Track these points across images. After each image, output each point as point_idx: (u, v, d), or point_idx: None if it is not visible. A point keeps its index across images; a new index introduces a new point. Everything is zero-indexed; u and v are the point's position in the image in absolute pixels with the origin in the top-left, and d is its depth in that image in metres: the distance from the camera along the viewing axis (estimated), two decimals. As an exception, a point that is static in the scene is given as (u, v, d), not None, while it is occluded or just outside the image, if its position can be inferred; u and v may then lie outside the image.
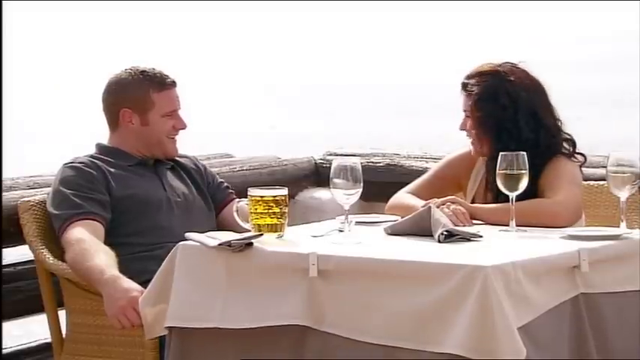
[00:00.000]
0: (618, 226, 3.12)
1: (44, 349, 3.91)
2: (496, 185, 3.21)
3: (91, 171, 3.51)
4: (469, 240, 3.03)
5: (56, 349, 3.55)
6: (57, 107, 22.49)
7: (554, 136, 3.49)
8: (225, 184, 3.78)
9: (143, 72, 3.59)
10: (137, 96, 3.57)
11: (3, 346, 3.80)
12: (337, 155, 4.67)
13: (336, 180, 3.04)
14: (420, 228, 3.10)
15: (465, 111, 3.52)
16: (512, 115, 3.44)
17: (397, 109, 22.51)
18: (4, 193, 3.72)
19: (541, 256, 2.87)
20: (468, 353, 2.68)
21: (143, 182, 3.57)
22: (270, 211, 3.06)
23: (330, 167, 3.07)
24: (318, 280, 2.88)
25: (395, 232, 3.15)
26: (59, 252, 3.50)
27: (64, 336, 3.54)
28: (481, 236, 3.05)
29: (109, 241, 3.42)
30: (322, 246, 2.98)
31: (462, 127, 3.54)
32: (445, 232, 3.01)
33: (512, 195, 3.15)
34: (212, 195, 3.71)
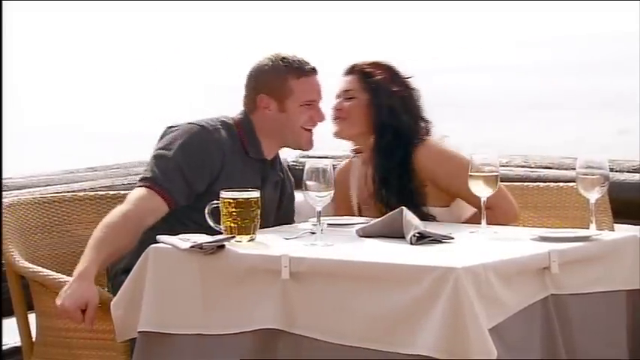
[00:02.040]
0: (588, 228, 3.14)
1: (14, 352, 3.88)
2: (381, 180, 3.39)
3: (212, 154, 3.40)
4: (441, 242, 3.04)
5: (26, 352, 3.53)
6: (51, 108, 22.34)
7: (422, 123, 3.57)
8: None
9: (283, 58, 3.50)
10: (275, 82, 3.48)
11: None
12: (309, 157, 4.66)
13: (308, 182, 3.04)
14: (392, 230, 3.10)
15: (347, 90, 3.55)
16: (401, 110, 3.51)
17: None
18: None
19: (512, 257, 2.88)
20: (440, 354, 2.69)
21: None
22: (242, 213, 3.06)
23: (302, 169, 3.07)
24: (291, 283, 2.88)
25: (367, 234, 3.16)
26: (29, 255, 3.48)
27: (34, 339, 3.52)
28: (452, 238, 3.06)
29: (175, 214, 3.36)
30: (294, 248, 2.99)
31: (337, 109, 3.54)
32: (417, 234, 3.02)
33: (484, 197, 3.16)
34: None
